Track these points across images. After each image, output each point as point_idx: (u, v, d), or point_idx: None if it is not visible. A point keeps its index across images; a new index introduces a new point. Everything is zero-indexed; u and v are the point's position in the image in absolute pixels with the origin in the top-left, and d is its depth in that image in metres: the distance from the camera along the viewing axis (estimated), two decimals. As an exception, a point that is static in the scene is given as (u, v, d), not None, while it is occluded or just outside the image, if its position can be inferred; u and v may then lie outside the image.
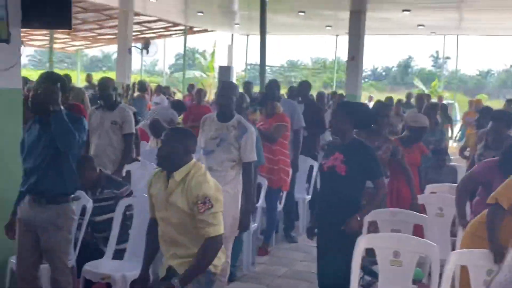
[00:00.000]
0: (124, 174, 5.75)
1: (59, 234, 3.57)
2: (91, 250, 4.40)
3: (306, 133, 6.93)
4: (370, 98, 15.55)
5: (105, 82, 5.89)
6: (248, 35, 22.24)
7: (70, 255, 3.72)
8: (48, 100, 3.41)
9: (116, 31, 17.20)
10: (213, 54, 26.85)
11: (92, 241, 4.53)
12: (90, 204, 4.24)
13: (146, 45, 16.13)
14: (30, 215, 3.58)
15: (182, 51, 21.57)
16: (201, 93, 9.96)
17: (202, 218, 3.00)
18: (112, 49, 43.29)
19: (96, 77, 18.99)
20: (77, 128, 3.46)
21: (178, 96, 18.07)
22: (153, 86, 16.92)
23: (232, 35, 22.06)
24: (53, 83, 3.51)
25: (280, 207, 6.29)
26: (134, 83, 14.96)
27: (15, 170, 4.37)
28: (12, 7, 4.09)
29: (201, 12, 15.64)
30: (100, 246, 4.52)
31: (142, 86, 13.20)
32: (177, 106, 8.76)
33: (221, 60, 23.07)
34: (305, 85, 7.52)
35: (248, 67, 25.63)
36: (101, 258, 4.38)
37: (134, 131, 5.93)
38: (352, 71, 13.13)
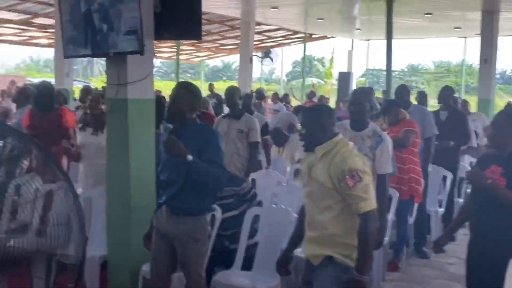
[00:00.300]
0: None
1: (195, 246, 3.54)
2: (216, 249, 4.35)
3: (453, 143, 6.52)
4: (510, 103, 14.45)
5: (232, 91, 5.93)
6: (369, 40, 21.74)
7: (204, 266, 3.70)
8: (184, 109, 3.44)
9: (238, 41, 17.56)
10: (331, 60, 26.62)
11: (217, 240, 4.50)
12: (219, 214, 4.22)
13: (266, 54, 16.29)
14: (167, 226, 3.58)
15: (298, 59, 21.58)
16: (323, 100, 9.79)
17: (353, 193, 2.91)
18: (232, 59, 44.68)
19: (217, 86, 19.52)
20: (216, 153, 3.42)
21: (295, 103, 18.02)
22: (269, 94, 17.02)
23: (352, 40, 21.68)
24: (190, 93, 3.52)
25: (411, 220, 5.93)
26: (251, 91, 15.15)
27: (149, 179, 4.48)
28: (145, 19, 4.18)
29: (322, 19, 15.52)
30: (225, 244, 4.51)
31: (260, 94, 13.30)
32: (300, 111, 8.62)
33: (339, 66, 22.77)
34: (447, 91, 6.98)
35: (366, 72, 25.09)
36: (226, 255, 4.38)
37: (259, 139, 5.91)
38: (485, 74, 12.33)
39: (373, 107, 4.67)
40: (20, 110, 7.24)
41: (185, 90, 3.54)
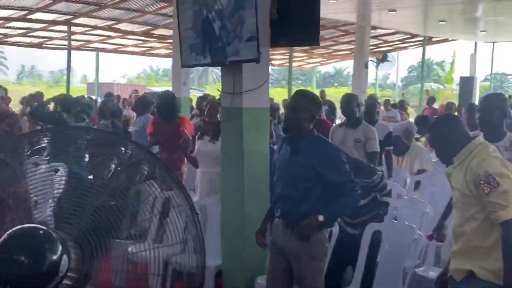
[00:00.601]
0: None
1: (311, 264, 3.37)
2: (341, 239, 4.20)
3: None
4: None
5: (349, 98, 5.70)
6: (494, 43, 20.38)
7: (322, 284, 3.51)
8: (303, 118, 3.30)
9: (351, 46, 17.19)
10: (452, 64, 25.37)
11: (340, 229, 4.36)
12: (336, 229, 4.02)
13: (383, 59, 15.79)
14: (283, 240, 3.45)
15: (414, 63, 20.74)
16: (451, 107, 9.12)
17: (490, 199, 2.65)
18: (344, 65, 44.20)
19: (329, 92, 19.22)
20: (342, 170, 3.30)
21: (410, 111, 17.28)
22: (382, 100, 16.46)
23: (475, 43, 20.45)
24: (310, 102, 3.37)
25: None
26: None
27: (263, 188, 4.42)
28: (262, 26, 4.11)
29: (443, 21, 14.75)
30: (347, 229, 4.31)
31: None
32: (422, 122, 8.04)
33: (460, 70, 21.60)
34: None
35: (488, 76, 23.59)
36: (350, 243, 4.19)
37: (378, 149, 5.62)
38: None
39: (507, 115, 4.24)
40: (139, 119, 7.49)
41: (305, 98, 3.40)
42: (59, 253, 1.90)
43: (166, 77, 52.29)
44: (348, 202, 3.34)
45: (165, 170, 3.30)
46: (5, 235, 1.89)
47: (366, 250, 4.12)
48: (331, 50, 20.48)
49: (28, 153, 2.82)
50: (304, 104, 3.34)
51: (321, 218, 3.22)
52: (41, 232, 1.93)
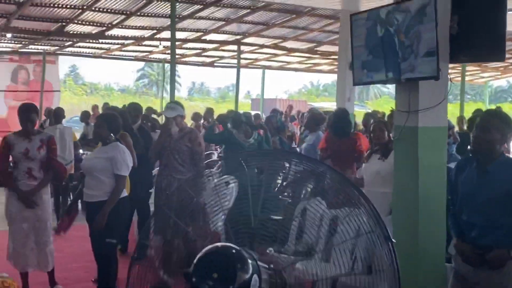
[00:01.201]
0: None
1: None
2: None
3: None
4: None
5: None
6: None
7: None
8: (494, 140, 3.09)
9: (532, 59, 15.79)
10: None
11: None
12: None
13: None
14: (469, 270, 3.23)
15: None
16: None
17: None
18: (520, 78, 40.82)
19: (503, 109, 17.68)
20: None
21: None
22: None
23: None
24: (503, 122, 3.12)
25: None
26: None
27: (439, 212, 4.19)
28: (441, 41, 3.92)
29: None
30: None
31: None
32: None
33: None
34: None
35: None
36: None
37: None
38: None
39: None
40: (310, 136, 7.59)
41: (497, 118, 3.17)
42: (250, 272, 1.94)
43: (326, 92, 52.63)
44: None
45: (342, 186, 3.26)
46: (201, 252, 1.98)
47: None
48: (508, 64, 18.99)
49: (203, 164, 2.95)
50: (497, 125, 3.11)
51: None
52: (233, 251, 1.98)
